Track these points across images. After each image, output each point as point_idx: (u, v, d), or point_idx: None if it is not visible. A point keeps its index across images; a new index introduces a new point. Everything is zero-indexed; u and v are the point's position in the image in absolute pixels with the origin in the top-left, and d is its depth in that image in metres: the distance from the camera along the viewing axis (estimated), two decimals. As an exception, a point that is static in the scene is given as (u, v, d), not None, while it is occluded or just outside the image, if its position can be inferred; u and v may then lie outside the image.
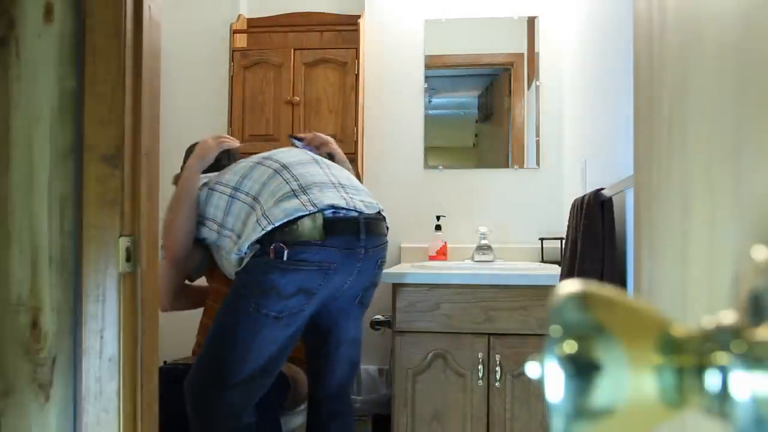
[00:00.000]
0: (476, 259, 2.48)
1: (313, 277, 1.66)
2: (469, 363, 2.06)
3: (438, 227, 2.60)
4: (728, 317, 0.27)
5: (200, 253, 2.00)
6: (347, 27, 2.74)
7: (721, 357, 0.26)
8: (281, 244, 1.63)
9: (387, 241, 1.85)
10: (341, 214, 1.70)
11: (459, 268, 2.26)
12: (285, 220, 1.65)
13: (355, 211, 1.72)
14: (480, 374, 2.05)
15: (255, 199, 1.77)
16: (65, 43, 1.14)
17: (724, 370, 0.25)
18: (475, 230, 2.56)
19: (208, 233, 1.86)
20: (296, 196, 1.71)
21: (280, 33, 2.77)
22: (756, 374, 0.24)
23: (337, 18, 2.81)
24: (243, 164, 1.89)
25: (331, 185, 1.78)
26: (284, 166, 1.82)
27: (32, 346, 1.12)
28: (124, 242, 1.13)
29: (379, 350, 2.60)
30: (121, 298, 1.13)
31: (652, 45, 0.66)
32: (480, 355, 2.05)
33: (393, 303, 2.10)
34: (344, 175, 1.89)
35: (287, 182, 1.75)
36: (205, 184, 1.89)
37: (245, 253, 1.72)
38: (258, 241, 1.68)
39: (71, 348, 1.13)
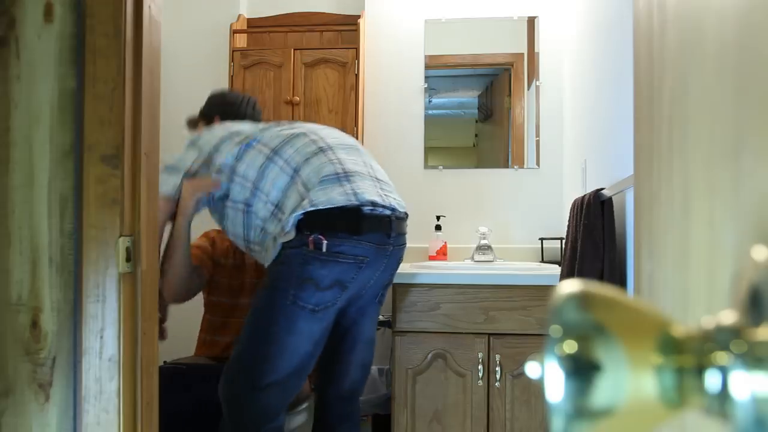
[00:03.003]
0: (476, 259, 2.48)
1: (348, 270, 1.64)
2: (469, 363, 2.06)
3: (438, 227, 2.60)
4: (728, 317, 0.27)
5: (197, 281, 2.03)
6: (347, 27, 2.74)
7: (721, 357, 0.26)
8: (320, 236, 1.60)
9: (407, 241, 1.84)
10: (378, 212, 1.68)
11: (459, 268, 2.25)
12: (328, 207, 1.62)
13: (390, 209, 1.71)
14: (480, 374, 2.05)
15: (296, 171, 1.71)
16: (65, 43, 1.14)
17: (724, 370, 0.25)
18: (475, 230, 2.56)
19: (240, 192, 1.76)
20: (340, 182, 1.67)
21: (280, 33, 2.77)
22: (756, 374, 0.24)
23: (337, 18, 2.81)
24: (285, 129, 1.82)
25: (369, 177, 1.75)
26: (329, 147, 1.76)
27: (32, 346, 1.12)
28: (124, 242, 1.13)
29: (379, 350, 2.60)
30: (121, 298, 1.13)
31: (652, 45, 0.66)
32: (480, 355, 2.05)
33: (393, 303, 2.10)
34: (379, 168, 1.86)
35: (332, 164, 1.71)
36: (232, 136, 1.81)
37: (288, 231, 1.64)
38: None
39: (71, 348, 1.13)
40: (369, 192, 1.68)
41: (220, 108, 2.10)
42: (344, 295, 1.67)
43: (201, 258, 2.13)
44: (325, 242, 1.59)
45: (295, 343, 1.62)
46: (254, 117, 2.11)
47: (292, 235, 1.62)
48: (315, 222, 1.61)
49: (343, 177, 1.68)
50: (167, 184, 1.78)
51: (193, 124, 2.11)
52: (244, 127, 1.86)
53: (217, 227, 2.25)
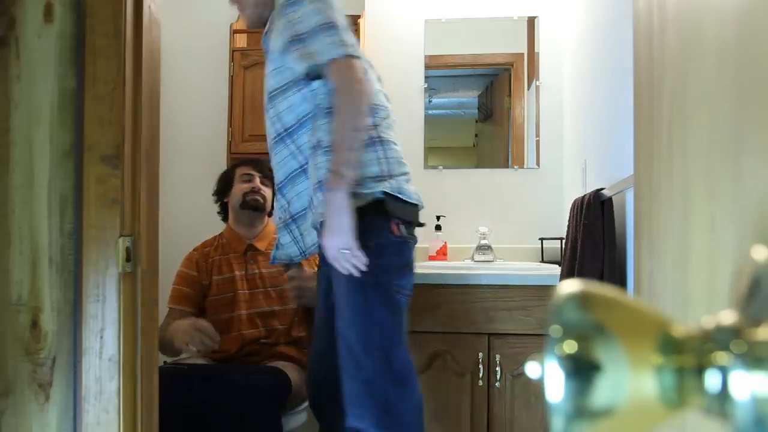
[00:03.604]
0: (476, 259, 2.48)
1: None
2: (469, 363, 2.06)
3: (438, 227, 2.60)
4: (728, 317, 0.27)
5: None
6: (347, 27, 2.73)
7: (721, 357, 0.26)
8: (399, 220, 1.52)
9: None
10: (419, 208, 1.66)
11: (459, 268, 2.25)
12: (412, 200, 1.57)
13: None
14: (480, 374, 2.05)
15: (382, 142, 1.60)
16: (65, 43, 1.14)
17: (724, 370, 0.25)
18: (475, 230, 2.56)
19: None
20: (410, 179, 1.63)
21: (280, 33, 2.77)
22: (756, 374, 0.24)
23: (337, 18, 2.81)
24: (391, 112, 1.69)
25: None
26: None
27: (32, 346, 1.12)
28: (124, 242, 1.13)
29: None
30: (121, 298, 1.13)
31: (652, 44, 0.66)
32: (480, 355, 2.05)
33: (393, 303, 2.10)
34: None
35: (404, 161, 1.64)
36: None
37: (368, 194, 1.49)
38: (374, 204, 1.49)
39: (71, 348, 1.13)
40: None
41: None
42: None
43: (190, 295, 2.16)
44: (402, 225, 1.54)
45: (404, 335, 1.52)
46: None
47: (363, 201, 1.49)
48: (390, 206, 1.52)
49: (409, 176, 1.63)
50: (331, 45, 1.49)
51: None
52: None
53: (196, 244, 2.26)
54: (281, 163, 1.64)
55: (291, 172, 1.63)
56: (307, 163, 1.60)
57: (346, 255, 1.42)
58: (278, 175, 1.66)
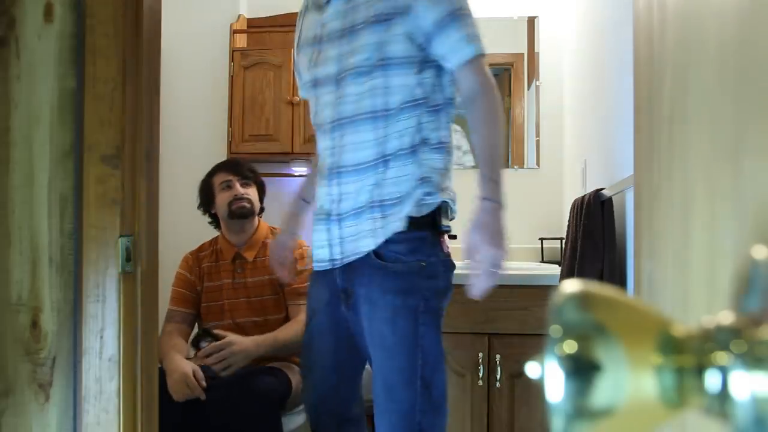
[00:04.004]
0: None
1: None
2: (469, 363, 2.06)
3: (438, 227, 2.60)
4: (728, 317, 0.27)
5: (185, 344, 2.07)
6: (347, 27, 2.73)
7: (721, 357, 0.26)
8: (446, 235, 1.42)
9: None
10: None
11: (459, 268, 2.25)
12: (455, 213, 1.45)
13: None
14: (480, 374, 2.05)
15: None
16: (65, 43, 1.14)
17: (724, 370, 0.25)
18: (475, 230, 2.55)
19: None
20: None
21: (280, 33, 2.77)
22: (756, 374, 0.24)
23: (337, 18, 2.80)
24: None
25: None
26: None
27: (32, 346, 1.12)
28: (124, 242, 1.13)
29: (379, 350, 2.60)
30: (121, 298, 1.13)
31: (652, 44, 0.66)
32: (480, 355, 2.05)
33: (393, 303, 2.10)
34: None
35: None
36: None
37: (431, 203, 1.37)
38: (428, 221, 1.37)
39: (71, 348, 1.13)
40: None
41: None
42: None
43: (188, 297, 2.15)
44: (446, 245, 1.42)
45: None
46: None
47: (423, 211, 1.37)
48: (444, 219, 1.41)
49: None
50: (474, 38, 1.39)
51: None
52: None
53: (195, 245, 2.24)
54: (355, 145, 1.38)
55: (363, 162, 1.38)
56: (382, 159, 1.36)
57: (496, 274, 1.29)
58: (342, 158, 1.39)
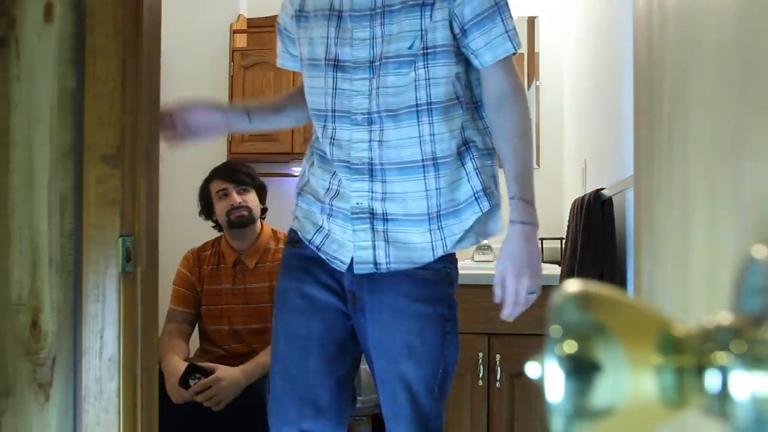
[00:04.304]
0: (476, 259, 2.47)
1: None
2: (469, 363, 2.06)
3: (438, 227, 2.60)
4: (728, 317, 0.27)
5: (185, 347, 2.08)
6: (347, 27, 2.73)
7: (721, 357, 0.26)
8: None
9: None
10: None
11: (459, 268, 2.25)
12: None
13: None
14: (480, 374, 2.05)
15: None
16: (65, 43, 1.14)
17: (724, 370, 0.25)
18: (475, 230, 2.55)
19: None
20: None
21: (280, 33, 2.76)
22: (756, 374, 0.24)
23: (337, 18, 2.81)
24: None
25: None
26: None
27: (32, 346, 1.12)
28: (124, 242, 1.13)
29: (379, 350, 2.60)
30: (121, 298, 1.13)
31: (651, 45, 0.66)
32: (480, 355, 2.05)
33: (393, 303, 2.10)
34: None
35: None
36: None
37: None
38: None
39: (71, 348, 1.13)
40: None
41: None
42: None
43: (189, 297, 2.14)
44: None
45: None
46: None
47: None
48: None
49: None
50: (514, 33, 1.28)
51: None
52: None
53: (196, 244, 2.24)
54: (400, 141, 1.26)
55: (409, 161, 1.27)
56: (432, 162, 1.27)
57: (531, 299, 1.26)
58: (384, 154, 1.27)
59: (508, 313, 1.27)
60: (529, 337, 2.04)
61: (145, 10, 1.18)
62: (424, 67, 1.24)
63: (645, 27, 0.69)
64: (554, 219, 2.60)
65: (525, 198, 1.23)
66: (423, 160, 1.26)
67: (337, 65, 1.28)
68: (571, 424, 0.27)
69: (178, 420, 1.84)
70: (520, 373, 2.04)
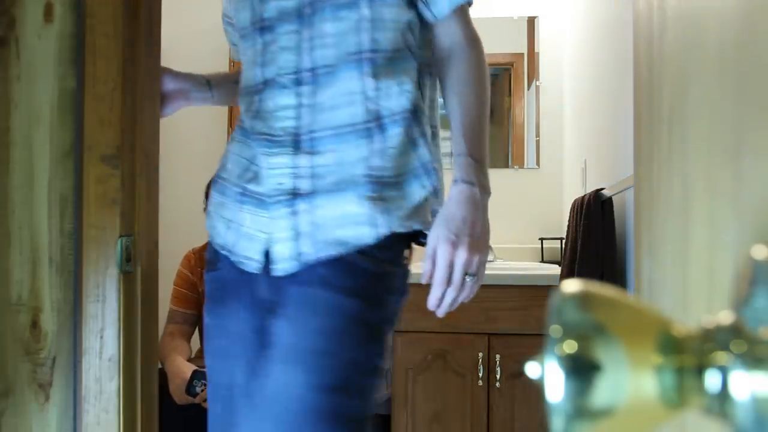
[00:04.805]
0: (476, 259, 2.47)
1: None
2: (469, 363, 2.06)
3: (438, 227, 2.60)
4: (728, 317, 0.27)
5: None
6: (347, 27, 2.74)
7: (721, 357, 0.26)
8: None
9: None
10: None
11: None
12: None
13: None
14: (480, 374, 2.05)
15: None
16: (65, 43, 1.14)
17: (724, 370, 0.25)
18: (475, 230, 2.56)
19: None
20: None
21: (280, 33, 2.77)
22: (756, 374, 0.24)
23: (337, 18, 2.81)
24: None
25: None
26: None
27: (32, 346, 1.12)
28: (124, 242, 1.13)
29: (379, 350, 2.60)
30: (121, 298, 1.13)
31: (652, 45, 0.66)
32: (480, 355, 2.05)
33: (393, 303, 2.10)
34: None
35: None
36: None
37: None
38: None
39: (71, 348, 1.13)
40: None
41: None
42: None
43: (190, 297, 2.15)
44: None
45: None
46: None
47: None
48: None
49: None
50: None
51: None
52: None
53: (196, 244, 2.24)
54: (335, 100, 1.03)
55: (348, 123, 1.02)
56: (376, 123, 1.03)
57: (469, 287, 1.04)
58: (316, 120, 1.03)
59: (435, 298, 1.01)
60: (529, 337, 2.04)
61: (145, 10, 1.18)
62: (369, 7, 1.02)
63: (645, 27, 0.69)
64: (554, 219, 2.60)
65: (473, 155, 1.02)
66: (366, 122, 1.02)
67: (264, 28, 1.08)
68: (571, 424, 0.27)
69: (181, 421, 1.84)
70: (520, 373, 2.04)
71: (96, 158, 1.14)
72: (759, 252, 0.28)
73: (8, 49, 1.14)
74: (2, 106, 1.14)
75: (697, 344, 0.27)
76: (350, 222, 1.00)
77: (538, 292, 2.04)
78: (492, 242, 2.65)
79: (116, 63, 1.14)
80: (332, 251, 1.00)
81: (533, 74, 2.70)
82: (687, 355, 0.27)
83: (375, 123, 1.03)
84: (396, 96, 1.04)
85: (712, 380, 0.26)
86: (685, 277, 0.54)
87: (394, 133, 1.03)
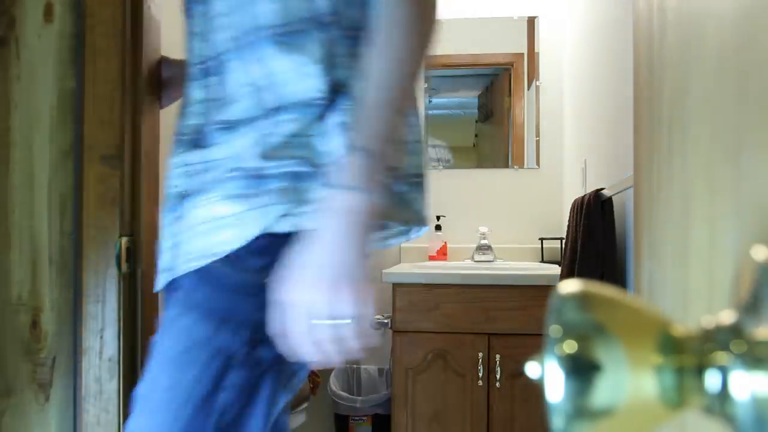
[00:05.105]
0: (476, 259, 2.48)
1: None
2: (469, 363, 2.06)
3: (438, 227, 2.60)
4: (728, 317, 0.27)
5: None
6: (347, 27, 2.73)
7: (721, 357, 0.26)
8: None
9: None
10: None
11: (459, 268, 2.25)
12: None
13: None
14: (480, 374, 2.05)
15: None
16: (65, 43, 1.14)
17: (724, 370, 0.25)
18: (475, 230, 2.56)
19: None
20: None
21: (280, 33, 2.76)
22: (756, 374, 0.24)
23: (337, 18, 2.81)
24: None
25: None
26: None
27: (32, 346, 1.12)
28: (124, 242, 1.13)
29: (379, 350, 2.60)
30: (121, 298, 1.13)
31: (652, 45, 0.66)
32: (480, 355, 2.05)
33: (393, 303, 2.10)
34: None
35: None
36: None
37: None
38: None
39: (71, 348, 1.13)
40: None
41: None
42: None
43: None
44: None
45: None
46: None
47: None
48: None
49: None
50: None
51: None
52: None
53: None
54: (230, 95, 0.84)
55: (240, 119, 0.83)
56: (269, 117, 0.82)
57: (339, 335, 0.71)
58: (216, 116, 0.85)
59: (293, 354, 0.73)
60: (529, 337, 2.04)
61: (144, 9, 1.18)
62: None
63: (645, 27, 0.69)
64: (554, 219, 2.60)
65: (367, 146, 0.73)
66: (258, 118, 0.81)
67: (186, 10, 0.91)
68: (571, 424, 0.27)
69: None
70: (520, 373, 2.04)
71: (96, 158, 1.14)
72: (759, 252, 0.28)
73: (8, 49, 1.14)
74: (2, 106, 1.14)
75: (697, 344, 0.27)
76: (218, 224, 0.80)
77: (538, 292, 2.04)
78: (492, 242, 2.65)
79: (116, 63, 1.14)
80: (200, 261, 0.80)
81: (533, 74, 2.70)
82: (687, 355, 0.27)
83: (273, 115, 0.81)
84: (297, 81, 0.81)
85: (712, 380, 0.26)
86: (685, 277, 0.54)
87: (288, 124, 0.80)
